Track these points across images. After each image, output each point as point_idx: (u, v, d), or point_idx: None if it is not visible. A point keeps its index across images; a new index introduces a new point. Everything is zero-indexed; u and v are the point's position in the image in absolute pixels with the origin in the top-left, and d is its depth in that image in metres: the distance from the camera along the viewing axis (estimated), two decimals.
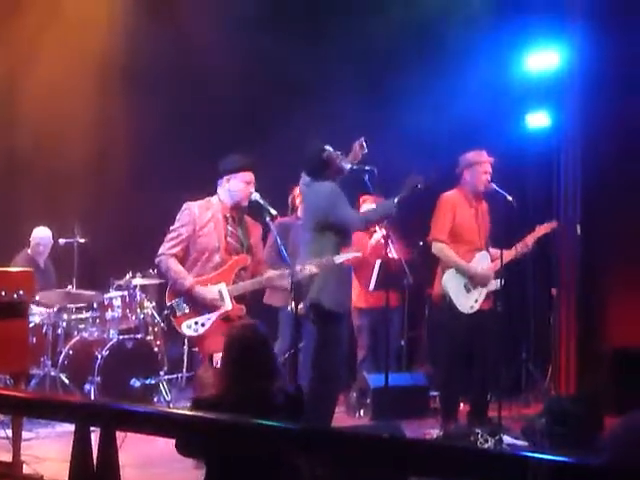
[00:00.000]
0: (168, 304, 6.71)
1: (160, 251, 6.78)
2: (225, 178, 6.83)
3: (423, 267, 9.12)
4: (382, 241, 8.83)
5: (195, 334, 6.66)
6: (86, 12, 10.86)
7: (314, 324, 7.08)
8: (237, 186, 6.80)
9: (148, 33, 10.45)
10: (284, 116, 10.14)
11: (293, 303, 6.59)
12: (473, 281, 8.06)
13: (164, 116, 10.85)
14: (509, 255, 8.09)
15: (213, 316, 6.66)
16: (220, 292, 6.68)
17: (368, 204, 9.15)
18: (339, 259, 6.93)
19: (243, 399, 4.36)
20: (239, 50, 10.62)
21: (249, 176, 6.81)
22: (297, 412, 4.53)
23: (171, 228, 6.80)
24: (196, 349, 7.40)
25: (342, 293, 7.22)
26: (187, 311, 6.67)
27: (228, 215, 6.83)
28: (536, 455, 2.67)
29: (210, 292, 6.66)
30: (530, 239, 8.25)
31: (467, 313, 8.04)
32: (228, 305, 6.68)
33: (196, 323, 6.65)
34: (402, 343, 10.08)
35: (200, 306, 6.67)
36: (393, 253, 9.01)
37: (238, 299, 6.74)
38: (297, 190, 9.31)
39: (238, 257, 6.79)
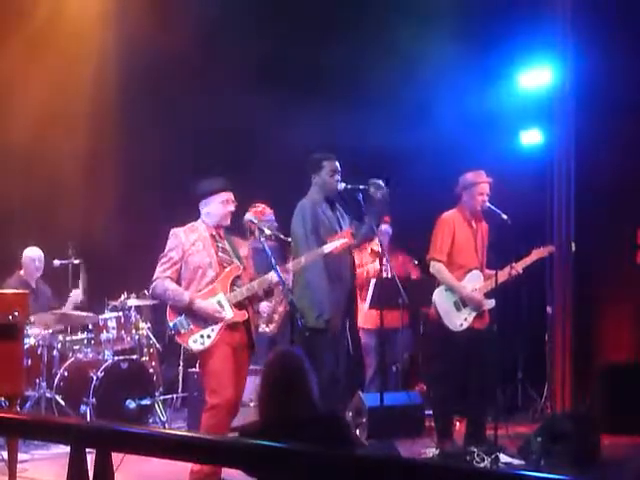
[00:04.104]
0: (170, 324, 6.69)
1: (154, 276, 6.81)
2: (203, 202, 6.92)
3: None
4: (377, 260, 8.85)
5: (202, 347, 6.64)
6: (79, 34, 10.90)
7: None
8: (214, 208, 6.88)
9: (142, 47, 10.49)
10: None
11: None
12: (466, 302, 8.06)
13: (159, 137, 10.86)
14: (503, 275, 8.08)
15: (217, 327, 6.66)
16: (219, 302, 6.70)
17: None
18: (327, 248, 7.02)
19: (278, 427, 4.35)
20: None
21: (225, 196, 6.89)
22: (334, 438, 4.49)
23: (161, 255, 6.85)
24: (196, 369, 7.38)
25: (319, 307, 7.28)
26: (191, 327, 6.66)
27: (214, 233, 6.90)
28: (533, 474, 2.66)
29: (210, 304, 6.67)
30: (524, 263, 8.24)
31: (456, 331, 8.04)
32: (229, 314, 6.69)
33: (202, 336, 6.64)
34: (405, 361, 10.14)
35: (202, 319, 6.66)
36: (389, 272, 9.02)
37: (238, 306, 6.75)
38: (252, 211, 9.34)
39: (230, 267, 6.83)
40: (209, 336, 6.65)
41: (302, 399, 4.55)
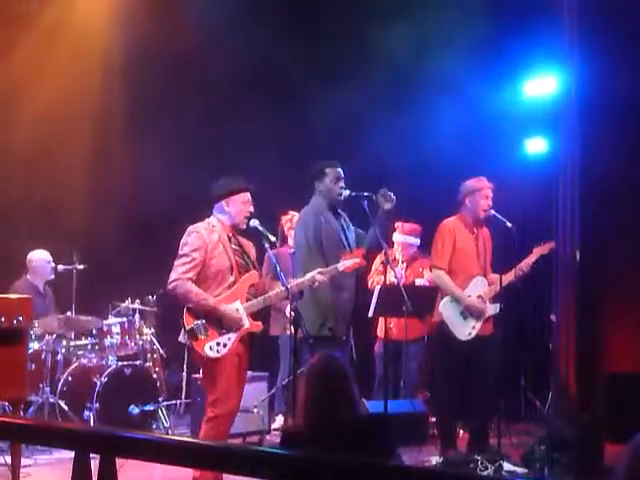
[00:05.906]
0: (188, 328, 6.47)
1: (173, 277, 6.56)
2: (223, 202, 6.76)
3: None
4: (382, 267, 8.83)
5: (218, 355, 6.47)
6: (87, 35, 10.95)
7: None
8: (236, 208, 6.75)
9: (150, 47, 10.53)
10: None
11: (292, 329, 6.56)
12: (468, 311, 8.06)
13: (163, 140, 10.86)
14: (507, 279, 8.09)
15: (233, 336, 6.53)
16: (238, 310, 6.61)
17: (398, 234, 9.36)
18: (341, 266, 6.96)
19: (319, 431, 4.36)
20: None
21: (246, 197, 6.79)
22: (377, 441, 4.49)
23: (181, 253, 6.61)
24: (199, 375, 7.33)
25: (324, 315, 7.28)
26: (208, 333, 6.49)
27: (230, 235, 6.77)
28: None
29: (234, 311, 6.55)
30: (527, 262, 8.25)
31: (464, 340, 8.04)
32: (246, 323, 6.60)
33: (218, 344, 6.48)
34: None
35: (219, 326, 6.51)
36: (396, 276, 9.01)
37: (253, 316, 6.67)
38: (284, 219, 9.35)
39: (248, 275, 6.73)
40: (225, 345, 6.51)
41: (346, 403, 4.57)
